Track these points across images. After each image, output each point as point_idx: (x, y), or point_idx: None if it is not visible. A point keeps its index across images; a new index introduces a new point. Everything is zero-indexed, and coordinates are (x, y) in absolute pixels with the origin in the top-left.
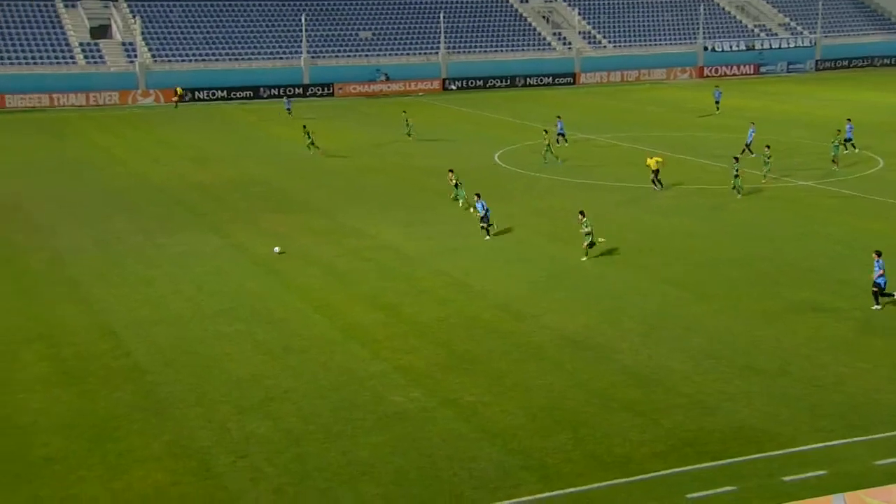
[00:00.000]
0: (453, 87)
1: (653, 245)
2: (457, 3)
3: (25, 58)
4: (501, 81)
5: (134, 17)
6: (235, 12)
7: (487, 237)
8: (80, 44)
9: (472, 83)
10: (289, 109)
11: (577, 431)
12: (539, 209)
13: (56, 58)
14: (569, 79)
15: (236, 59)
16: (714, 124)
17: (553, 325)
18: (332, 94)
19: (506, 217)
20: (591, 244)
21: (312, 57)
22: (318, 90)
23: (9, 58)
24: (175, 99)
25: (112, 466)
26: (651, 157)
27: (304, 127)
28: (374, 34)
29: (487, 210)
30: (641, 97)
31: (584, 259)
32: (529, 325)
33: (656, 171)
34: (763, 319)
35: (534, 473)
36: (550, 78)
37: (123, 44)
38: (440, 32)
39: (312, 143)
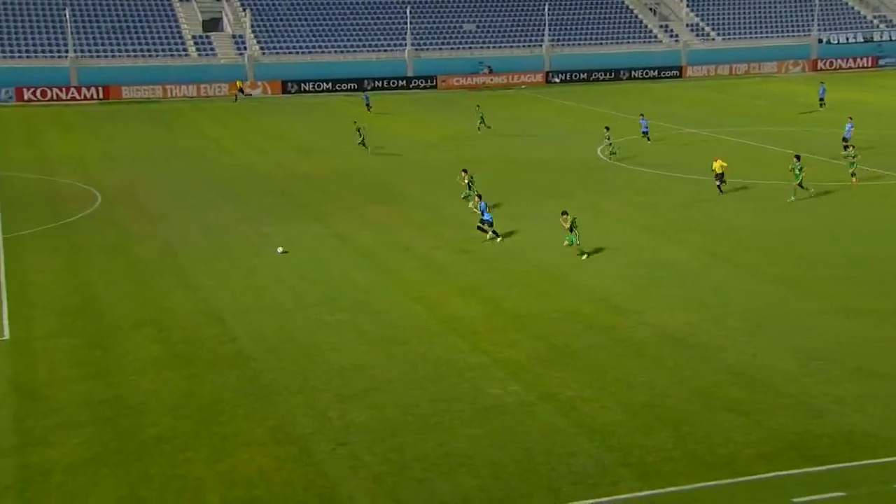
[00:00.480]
0: (556, 80)
1: (759, 242)
2: None
3: (141, 51)
4: (605, 75)
5: (244, 10)
6: (342, 5)
7: (498, 239)
8: (193, 36)
9: (575, 76)
10: (368, 105)
11: (677, 430)
12: (641, 203)
13: (170, 50)
14: (675, 72)
15: (341, 52)
16: (823, 119)
17: (654, 322)
18: (434, 87)
19: (606, 211)
20: (572, 243)
21: (416, 49)
22: (421, 82)
23: (126, 51)
24: (234, 92)
25: (217, 449)
26: (716, 160)
27: (355, 123)
28: (477, 27)
29: (488, 214)
30: (750, 91)
31: (584, 258)
32: (630, 321)
33: (720, 175)
34: (876, 320)
35: (633, 471)
36: (656, 71)
37: (233, 36)
38: (545, 25)
39: (363, 142)
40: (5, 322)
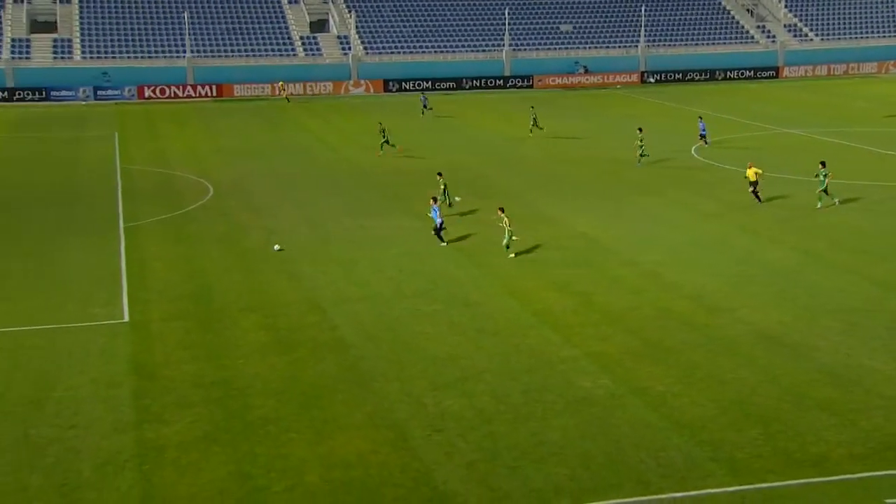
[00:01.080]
0: (651, 81)
1: (855, 242)
2: None
3: (252, 51)
4: (701, 75)
5: (349, 12)
6: (443, 7)
7: (443, 244)
8: (301, 37)
9: (670, 76)
10: (425, 106)
11: (768, 427)
12: (734, 202)
13: (279, 50)
14: (771, 72)
15: (441, 52)
16: None
17: (747, 320)
18: (531, 86)
19: (699, 210)
20: (509, 245)
21: (514, 50)
22: (518, 82)
23: (238, 51)
24: (286, 94)
25: (318, 431)
26: (750, 167)
27: (380, 124)
28: (574, 27)
29: (441, 219)
30: (849, 92)
31: (511, 257)
32: (723, 319)
33: (755, 183)
34: None
35: (722, 466)
36: (752, 71)
37: (339, 37)
38: (640, 26)
39: (387, 142)
40: (125, 305)
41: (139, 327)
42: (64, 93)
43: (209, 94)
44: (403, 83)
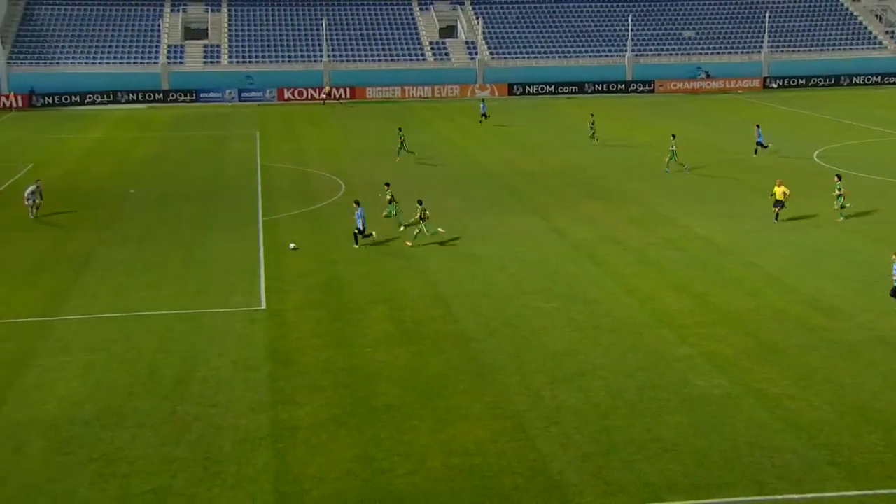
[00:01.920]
0: (774, 86)
1: None
2: (785, 2)
3: (384, 55)
4: (825, 80)
5: (477, 18)
6: (567, 13)
7: (356, 245)
8: (430, 43)
9: (793, 82)
10: (484, 114)
11: (889, 433)
12: (857, 209)
13: (409, 55)
14: None
15: (564, 57)
16: None
17: (868, 326)
18: (652, 91)
19: (819, 214)
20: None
21: (636, 55)
22: (639, 87)
23: (371, 56)
24: (324, 97)
25: (440, 419)
26: (779, 185)
27: (399, 129)
28: (697, 33)
29: (364, 220)
30: None
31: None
32: (842, 323)
33: (780, 203)
34: None
35: (841, 470)
36: (879, 77)
37: (466, 42)
38: (764, 32)
39: (403, 147)
40: (262, 294)
41: (275, 315)
42: (212, 94)
43: (343, 96)
44: (527, 87)
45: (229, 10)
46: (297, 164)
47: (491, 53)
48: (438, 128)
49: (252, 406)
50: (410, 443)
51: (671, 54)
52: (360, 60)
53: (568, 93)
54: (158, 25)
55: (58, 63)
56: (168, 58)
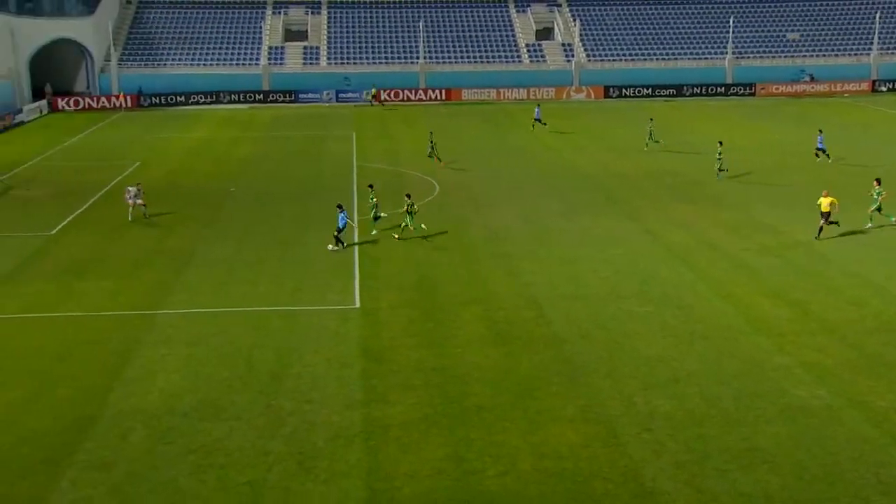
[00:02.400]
0: (883, 89)
1: None
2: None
3: (480, 58)
4: None
5: (574, 20)
6: (666, 15)
7: (331, 247)
8: (527, 45)
9: None
10: (538, 119)
11: None
12: None
13: (505, 57)
14: None
15: (662, 59)
16: None
17: None
18: (753, 94)
19: None
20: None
21: (737, 57)
22: (740, 90)
23: (467, 57)
24: (370, 99)
25: (531, 421)
26: (825, 197)
27: (431, 133)
28: (801, 35)
29: (344, 224)
30: None
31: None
32: None
33: (827, 214)
34: None
35: None
36: None
37: (563, 44)
38: (874, 33)
39: (433, 150)
40: (357, 293)
41: (369, 313)
42: (310, 95)
43: (439, 97)
44: (623, 89)
45: (329, 12)
46: (392, 164)
47: (587, 55)
48: (534, 130)
49: (345, 403)
50: (501, 444)
51: (774, 56)
52: (455, 62)
53: (665, 95)
54: (260, 28)
55: (164, 64)
56: (269, 59)
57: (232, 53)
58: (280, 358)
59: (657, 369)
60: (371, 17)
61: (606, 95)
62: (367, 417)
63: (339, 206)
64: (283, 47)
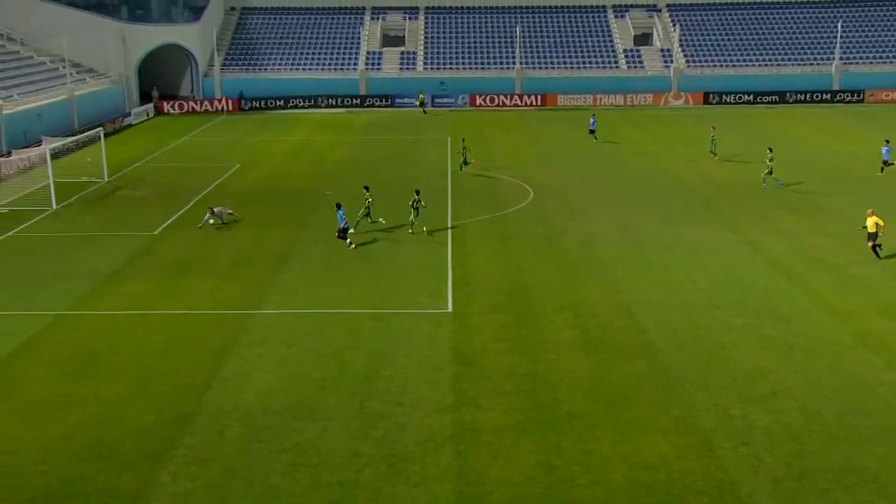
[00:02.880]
0: None
1: None
2: None
3: (577, 63)
4: None
5: (674, 25)
6: (769, 19)
7: (351, 245)
8: (624, 50)
9: None
10: (593, 131)
11: None
12: None
13: (602, 63)
14: None
15: (765, 65)
16: None
17: None
18: (861, 101)
19: None
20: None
21: (844, 63)
22: (847, 96)
23: (563, 63)
24: (418, 104)
25: (622, 431)
26: (870, 217)
27: (462, 141)
28: None
29: (346, 225)
30: None
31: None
32: None
33: (874, 235)
34: None
35: None
36: None
37: (661, 50)
38: None
39: (465, 159)
40: (449, 297)
41: (461, 318)
42: (406, 100)
43: (534, 103)
44: (724, 96)
45: (426, 18)
46: (486, 169)
47: (686, 61)
48: (630, 137)
49: (436, 407)
50: (592, 453)
51: (884, 62)
52: (552, 68)
53: (768, 102)
54: (359, 33)
55: (265, 69)
56: (366, 64)
57: (330, 58)
58: (372, 360)
59: (755, 382)
60: (468, 23)
61: (706, 102)
62: (458, 422)
63: (338, 206)
64: (380, 52)
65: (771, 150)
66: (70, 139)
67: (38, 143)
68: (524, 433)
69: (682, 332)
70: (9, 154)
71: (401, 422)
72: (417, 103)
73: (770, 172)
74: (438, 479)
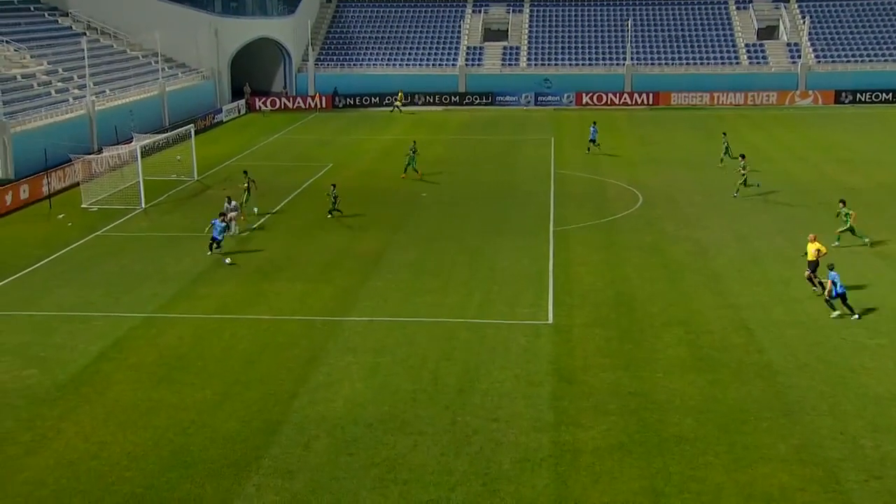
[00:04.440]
0: None
1: None
2: None
3: (693, 59)
4: None
5: (803, 17)
6: None
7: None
8: (746, 45)
9: None
10: (593, 140)
11: None
12: None
13: (721, 59)
14: None
15: None
16: None
17: None
18: None
19: None
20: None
21: None
22: None
23: (677, 59)
24: (397, 104)
25: (738, 458)
26: (812, 242)
27: (413, 143)
28: None
29: (224, 230)
30: None
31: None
32: None
33: (814, 265)
34: None
35: None
36: None
37: (788, 44)
38: None
39: (410, 164)
40: (550, 308)
41: (561, 330)
42: (508, 98)
43: (645, 101)
44: (858, 94)
45: (531, 10)
46: (592, 172)
47: (816, 57)
48: (750, 138)
49: (534, 424)
50: (703, 480)
51: None
52: (665, 64)
53: None
54: (459, 27)
55: (360, 64)
56: (466, 60)
57: (429, 53)
58: (467, 372)
59: (889, 409)
60: (575, 16)
61: (837, 101)
62: (557, 441)
63: (222, 214)
64: (481, 47)
65: (743, 157)
66: (160, 136)
67: (129, 140)
68: (628, 455)
69: (805, 352)
70: (100, 151)
71: (496, 439)
72: (397, 103)
73: (744, 180)
74: (535, 502)
